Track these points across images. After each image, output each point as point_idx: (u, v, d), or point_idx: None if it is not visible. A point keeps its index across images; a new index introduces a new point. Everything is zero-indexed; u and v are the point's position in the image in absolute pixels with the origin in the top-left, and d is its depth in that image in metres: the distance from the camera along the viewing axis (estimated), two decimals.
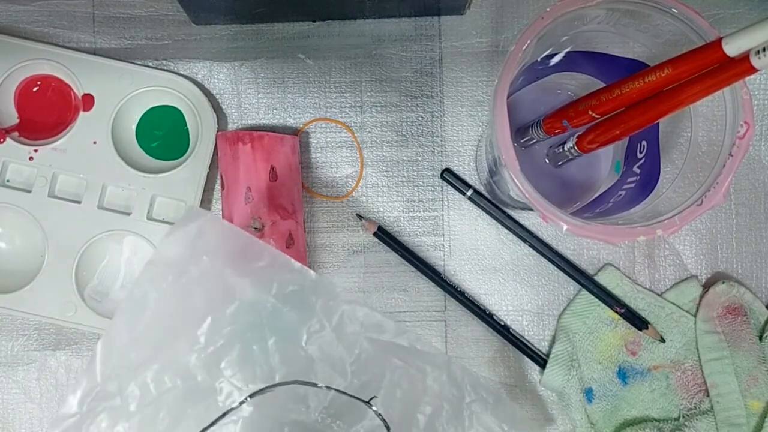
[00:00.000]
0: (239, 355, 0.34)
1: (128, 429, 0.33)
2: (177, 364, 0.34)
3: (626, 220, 0.35)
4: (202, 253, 0.34)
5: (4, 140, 0.45)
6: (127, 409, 0.33)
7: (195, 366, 0.34)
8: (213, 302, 0.34)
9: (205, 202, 0.46)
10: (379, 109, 0.47)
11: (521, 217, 0.46)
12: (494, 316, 0.46)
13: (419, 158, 0.47)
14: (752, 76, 0.29)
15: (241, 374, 0.34)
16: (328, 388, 0.35)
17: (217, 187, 0.46)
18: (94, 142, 0.45)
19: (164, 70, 0.46)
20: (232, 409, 0.34)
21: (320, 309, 0.35)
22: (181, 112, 0.46)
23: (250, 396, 0.34)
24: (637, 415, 0.45)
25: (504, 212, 0.46)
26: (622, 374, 0.45)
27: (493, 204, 0.46)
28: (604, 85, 0.36)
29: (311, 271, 0.35)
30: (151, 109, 0.46)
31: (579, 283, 0.46)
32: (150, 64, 0.46)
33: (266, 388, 0.35)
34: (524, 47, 0.32)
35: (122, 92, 0.45)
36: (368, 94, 0.47)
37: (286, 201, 0.43)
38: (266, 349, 0.35)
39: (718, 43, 0.29)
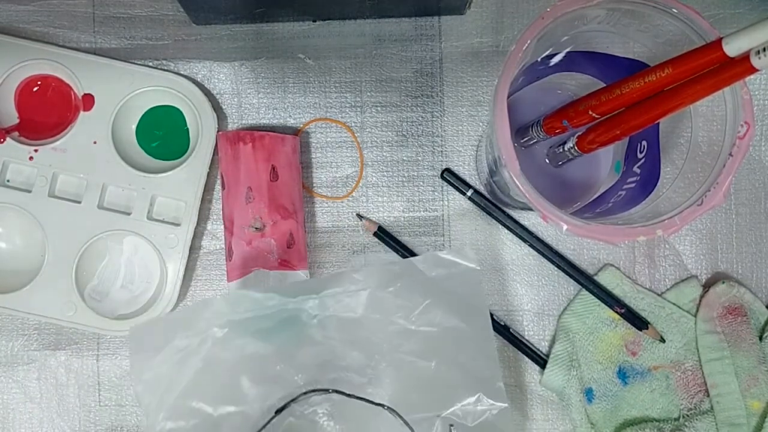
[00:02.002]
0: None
1: None
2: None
3: (626, 220, 0.35)
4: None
5: (4, 140, 0.45)
6: None
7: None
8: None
9: (205, 202, 0.46)
10: (379, 109, 0.47)
11: (521, 217, 0.46)
12: (494, 316, 0.46)
13: (419, 158, 0.47)
14: (752, 76, 0.29)
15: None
16: (339, 392, 0.35)
17: (218, 187, 0.46)
18: (94, 142, 0.45)
19: (164, 70, 0.46)
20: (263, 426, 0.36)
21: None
22: (181, 112, 0.46)
23: (277, 412, 0.35)
24: (637, 415, 0.45)
25: (504, 212, 0.46)
26: (622, 374, 0.45)
27: (493, 204, 0.46)
28: (604, 85, 0.36)
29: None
30: (151, 109, 0.46)
31: (579, 283, 0.46)
32: (150, 64, 0.46)
33: (289, 402, 0.36)
34: (524, 47, 0.32)
35: (122, 92, 0.45)
36: (368, 94, 0.47)
37: (286, 201, 0.43)
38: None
39: (718, 43, 0.29)
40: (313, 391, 0.37)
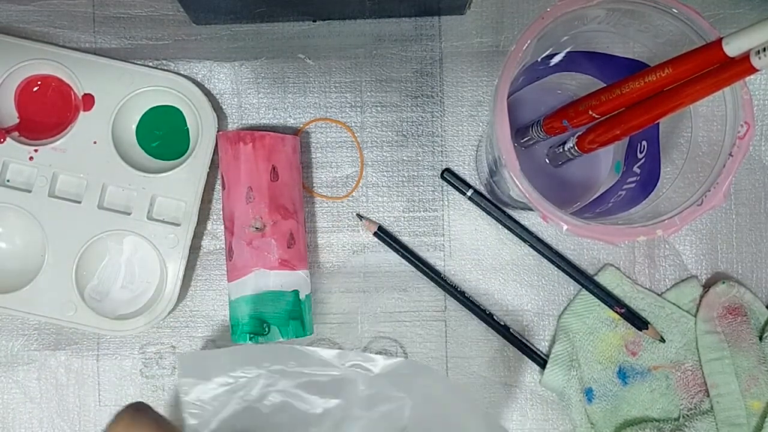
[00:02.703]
0: None
1: None
2: None
3: (626, 220, 0.35)
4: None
5: (4, 140, 0.45)
6: None
7: None
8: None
9: (205, 202, 0.46)
10: (379, 109, 0.47)
11: (521, 217, 0.46)
12: (494, 316, 0.46)
13: (419, 158, 0.47)
14: (752, 76, 0.29)
15: None
16: None
17: (218, 187, 0.46)
18: (94, 142, 0.45)
19: (164, 70, 0.46)
20: None
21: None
22: (181, 112, 0.46)
23: None
24: (637, 415, 0.45)
25: (504, 212, 0.46)
26: (622, 374, 0.45)
27: (493, 204, 0.46)
28: (604, 85, 0.36)
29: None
30: (151, 109, 0.46)
31: (579, 283, 0.46)
32: (150, 64, 0.46)
33: None
34: (524, 47, 0.32)
35: (122, 92, 0.45)
36: (368, 94, 0.47)
37: (287, 201, 0.43)
38: None
39: (718, 43, 0.29)
40: None
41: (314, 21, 0.46)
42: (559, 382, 0.45)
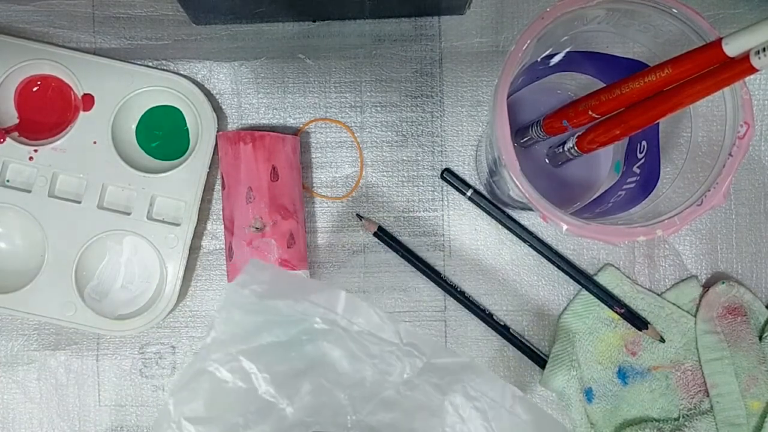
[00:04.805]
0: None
1: None
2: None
3: (626, 220, 0.35)
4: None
5: (4, 140, 0.45)
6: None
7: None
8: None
9: (205, 202, 0.46)
10: (379, 109, 0.47)
11: (521, 217, 0.46)
12: (494, 316, 0.46)
13: (419, 158, 0.47)
14: (752, 76, 0.29)
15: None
16: None
17: (218, 187, 0.46)
18: (94, 142, 0.45)
19: (164, 70, 0.46)
20: None
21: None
22: (181, 112, 0.46)
23: None
24: (637, 415, 0.45)
25: (504, 212, 0.46)
26: (622, 374, 0.45)
27: (493, 204, 0.46)
28: (604, 85, 0.36)
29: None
30: (151, 109, 0.46)
31: (579, 283, 0.46)
32: (150, 64, 0.46)
33: None
34: (524, 47, 0.32)
35: (122, 92, 0.45)
36: (368, 94, 0.47)
37: (287, 201, 0.43)
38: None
39: (718, 43, 0.29)
40: None
41: (314, 21, 0.46)
42: (559, 382, 0.45)
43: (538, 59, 0.37)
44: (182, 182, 0.45)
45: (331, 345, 0.34)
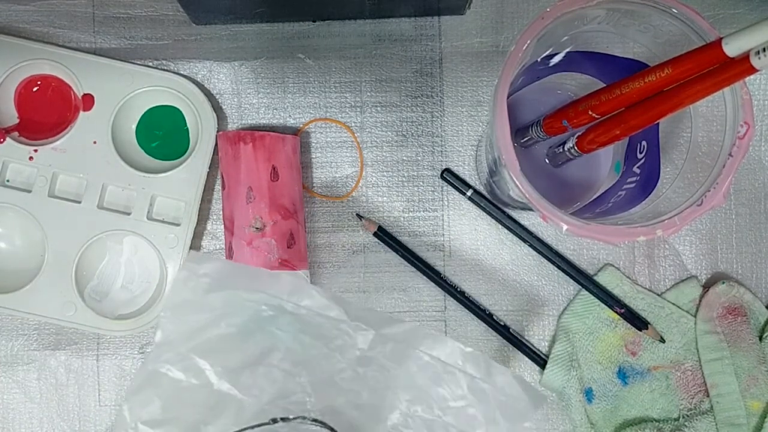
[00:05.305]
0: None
1: None
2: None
3: (626, 220, 0.35)
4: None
5: (4, 140, 0.45)
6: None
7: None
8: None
9: (205, 202, 0.46)
10: (379, 109, 0.47)
11: (521, 217, 0.46)
12: (494, 316, 0.46)
13: (419, 158, 0.47)
14: (752, 76, 0.29)
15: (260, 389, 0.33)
16: (316, 421, 0.33)
17: (218, 187, 0.46)
18: (94, 142, 0.45)
19: (164, 70, 0.46)
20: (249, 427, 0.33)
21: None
22: (181, 112, 0.46)
23: (272, 420, 0.33)
24: (637, 416, 0.45)
25: (504, 212, 0.46)
26: (622, 374, 0.45)
27: (493, 204, 0.46)
28: (604, 85, 0.36)
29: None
30: (151, 109, 0.46)
31: (579, 283, 0.46)
32: (150, 64, 0.46)
33: (289, 418, 0.33)
34: (524, 47, 0.32)
35: (122, 92, 0.45)
36: (368, 94, 0.47)
37: (287, 201, 0.43)
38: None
39: (718, 43, 0.29)
40: (317, 421, 0.34)
41: (314, 21, 0.46)
42: (559, 382, 0.45)
43: (538, 59, 0.37)
44: (182, 182, 0.45)
45: (281, 330, 0.34)
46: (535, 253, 0.46)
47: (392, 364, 0.33)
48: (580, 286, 0.46)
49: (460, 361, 0.33)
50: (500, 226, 0.46)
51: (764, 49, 0.27)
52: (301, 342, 0.34)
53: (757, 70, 0.28)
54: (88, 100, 0.45)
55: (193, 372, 0.33)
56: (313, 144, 0.47)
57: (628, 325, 0.45)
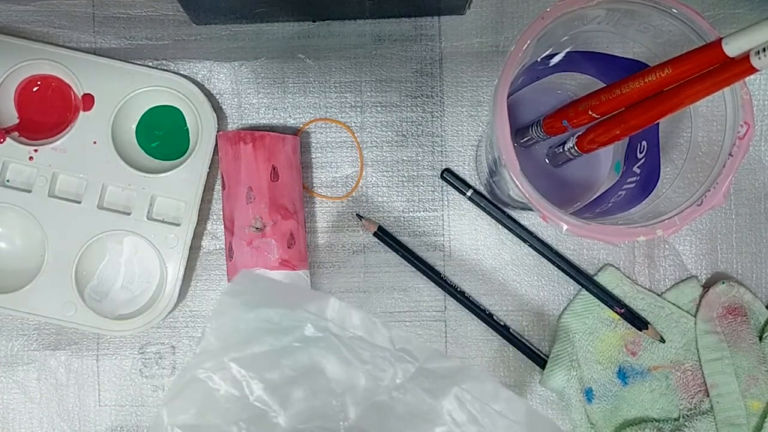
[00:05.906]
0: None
1: None
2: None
3: (626, 220, 0.35)
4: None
5: (4, 140, 0.45)
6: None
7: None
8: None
9: (205, 202, 0.46)
10: (379, 109, 0.47)
11: (521, 217, 0.46)
12: (494, 316, 0.46)
13: (419, 158, 0.47)
14: (752, 76, 0.29)
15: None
16: None
17: (218, 187, 0.46)
18: (94, 142, 0.45)
19: (164, 70, 0.46)
20: None
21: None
22: (181, 112, 0.46)
23: None
24: (637, 416, 0.45)
25: (504, 212, 0.46)
26: (622, 374, 0.45)
27: (493, 204, 0.46)
28: (604, 85, 0.36)
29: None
30: (151, 109, 0.46)
31: (579, 283, 0.46)
32: (150, 64, 0.46)
33: None
34: (524, 47, 0.32)
35: (122, 92, 0.45)
36: (368, 94, 0.47)
37: (287, 201, 0.43)
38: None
39: (718, 43, 0.29)
40: None
41: (314, 21, 0.46)
42: (559, 382, 0.45)
43: (538, 59, 0.37)
44: (182, 182, 0.45)
45: (323, 351, 0.34)
46: (535, 253, 0.46)
47: (430, 398, 0.33)
48: (580, 286, 0.46)
49: (500, 403, 0.33)
50: (500, 226, 0.46)
51: (764, 49, 0.27)
52: (342, 365, 0.34)
53: (757, 70, 0.28)
54: (88, 100, 0.45)
55: (232, 382, 0.33)
56: (313, 144, 0.47)
57: (628, 325, 0.45)
